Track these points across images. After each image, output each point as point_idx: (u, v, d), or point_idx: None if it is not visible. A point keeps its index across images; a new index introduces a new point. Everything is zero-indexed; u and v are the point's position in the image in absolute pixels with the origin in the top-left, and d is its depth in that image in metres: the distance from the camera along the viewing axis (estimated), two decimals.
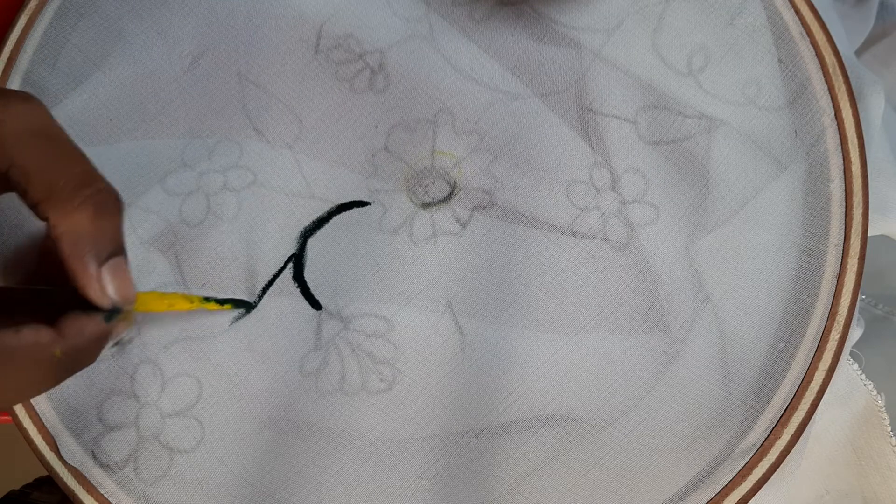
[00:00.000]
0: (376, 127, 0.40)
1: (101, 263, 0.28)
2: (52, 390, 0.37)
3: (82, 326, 0.28)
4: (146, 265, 0.39)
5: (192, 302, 0.36)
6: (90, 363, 0.30)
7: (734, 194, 0.38)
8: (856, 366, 0.41)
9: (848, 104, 0.39)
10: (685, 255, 0.38)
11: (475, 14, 0.41)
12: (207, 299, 0.37)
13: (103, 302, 0.28)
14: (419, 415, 0.37)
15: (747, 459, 0.35)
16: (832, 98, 0.39)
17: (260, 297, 0.38)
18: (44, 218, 0.27)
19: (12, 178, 0.27)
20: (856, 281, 0.37)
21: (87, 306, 0.28)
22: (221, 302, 0.37)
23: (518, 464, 0.36)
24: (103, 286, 0.28)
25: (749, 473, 0.35)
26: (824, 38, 0.39)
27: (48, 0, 0.43)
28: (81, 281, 0.28)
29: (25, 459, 0.39)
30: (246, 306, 0.38)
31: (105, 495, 0.37)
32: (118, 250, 0.28)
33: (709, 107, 0.39)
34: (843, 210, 0.38)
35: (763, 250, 0.38)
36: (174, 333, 0.38)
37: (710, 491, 0.35)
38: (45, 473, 0.38)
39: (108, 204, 0.28)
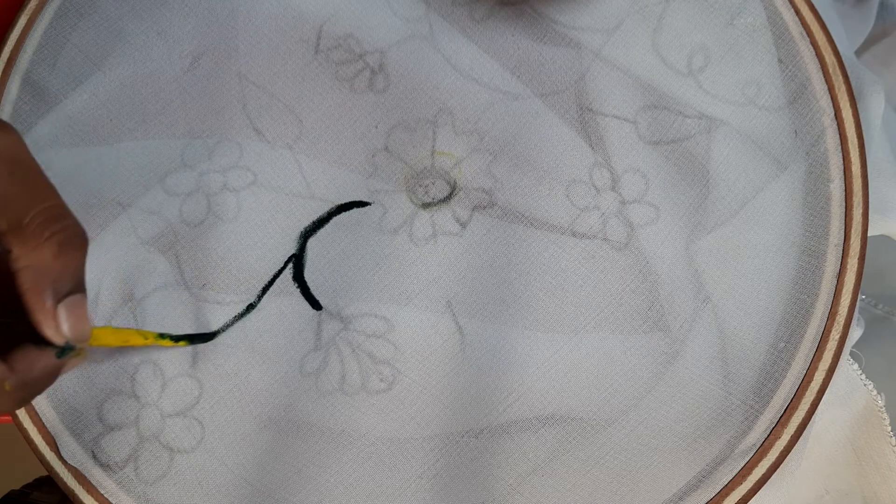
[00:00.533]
0: (376, 127, 0.40)
1: (58, 300, 0.27)
2: (52, 390, 0.37)
3: (33, 362, 0.28)
4: (146, 265, 0.39)
5: (146, 338, 0.36)
6: (41, 393, 0.29)
7: (734, 194, 0.38)
8: (856, 366, 0.41)
9: (848, 104, 0.39)
10: (685, 255, 0.38)
11: (475, 14, 0.41)
12: (162, 336, 0.36)
13: (57, 339, 0.28)
14: (419, 415, 0.37)
15: (747, 459, 0.35)
16: (832, 98, 0.39)
17: (260, 297, 0.38)
18: (6, 248, 0.27)
19: None
20: (856, 281, 0.37)
21: (41, 339, 0.28)
22: (176, 339, 0.37)
23: (518, 464, 0.36)
24: (59, 323, 0.27)
25: (749, 473, 0.35)
26: (824, 38, 0.39)
27: (48, 0, 0.43)
28: (37, 316, 0.27)
29: (25, 459, 0.39)
30: (202, 341, 0.37)
31: (105, 495, 0.37)
32: (78, 288, 0.28)
33: (709, 107, 0.39)
34: (843, 210, 0.38)
35: (763, 250, 0.38)
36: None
37: (710, 491, 0.35)
38: (45, 473, 0.38)
39: (74, 241, 0.28)
